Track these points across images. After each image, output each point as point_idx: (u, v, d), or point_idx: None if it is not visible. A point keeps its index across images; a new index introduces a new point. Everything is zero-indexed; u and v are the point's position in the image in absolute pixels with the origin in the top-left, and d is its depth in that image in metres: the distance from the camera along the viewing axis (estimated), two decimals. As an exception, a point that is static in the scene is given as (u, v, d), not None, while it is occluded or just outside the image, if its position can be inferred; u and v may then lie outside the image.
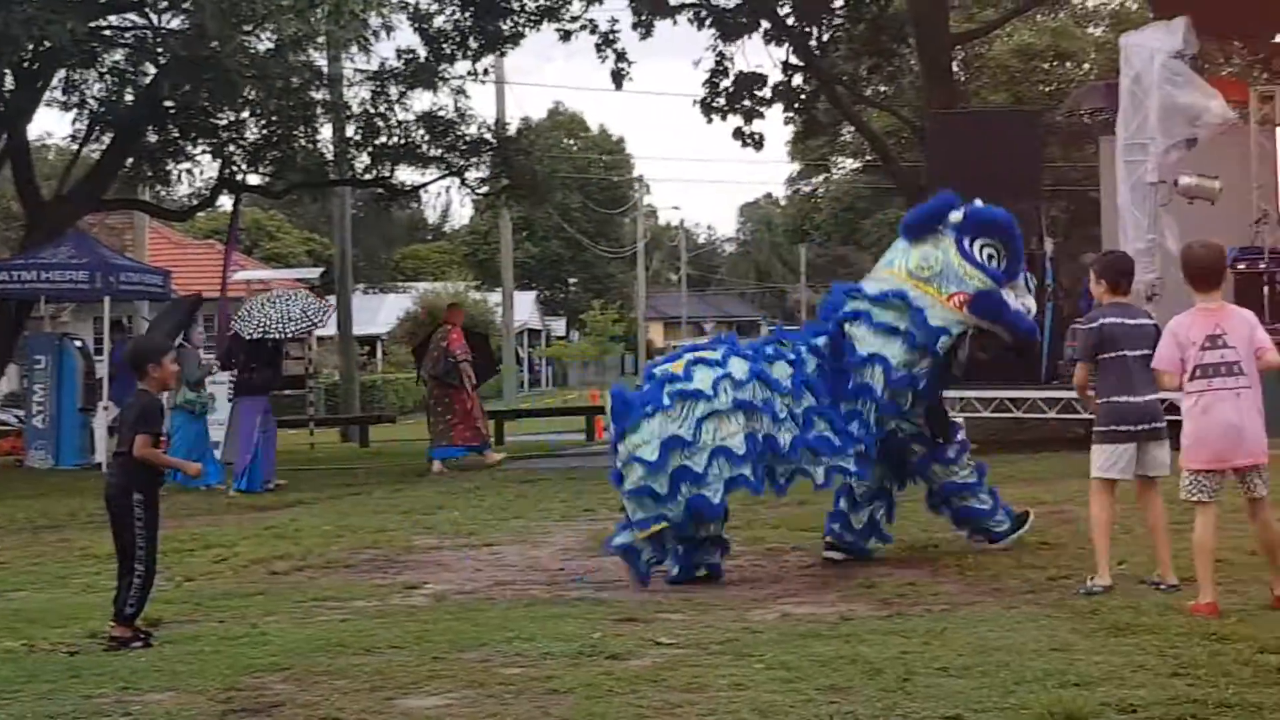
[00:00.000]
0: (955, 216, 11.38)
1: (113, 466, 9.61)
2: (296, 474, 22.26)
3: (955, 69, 36.51)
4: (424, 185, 32.46)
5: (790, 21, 33.85)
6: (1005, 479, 14.25)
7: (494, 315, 59.15)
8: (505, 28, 29.74)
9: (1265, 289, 19.88)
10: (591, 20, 31.45)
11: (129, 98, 25.78)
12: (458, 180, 30.66)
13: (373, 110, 28.75)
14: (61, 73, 25.72)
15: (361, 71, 28.79)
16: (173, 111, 26.26)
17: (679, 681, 7.56)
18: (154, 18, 25.30)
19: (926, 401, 11.33)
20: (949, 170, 21.96)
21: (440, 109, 29.26)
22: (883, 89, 41.49)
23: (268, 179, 30.05)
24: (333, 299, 35.76)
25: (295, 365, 29.56)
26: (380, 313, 67.56)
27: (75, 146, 28.82)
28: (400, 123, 29.04)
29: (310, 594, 11.01)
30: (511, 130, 32.41)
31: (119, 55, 25.88)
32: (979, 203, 11.67)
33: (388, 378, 58.75)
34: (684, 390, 10.62)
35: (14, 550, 14.41)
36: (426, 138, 29.26)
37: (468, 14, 28.97)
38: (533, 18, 29.98)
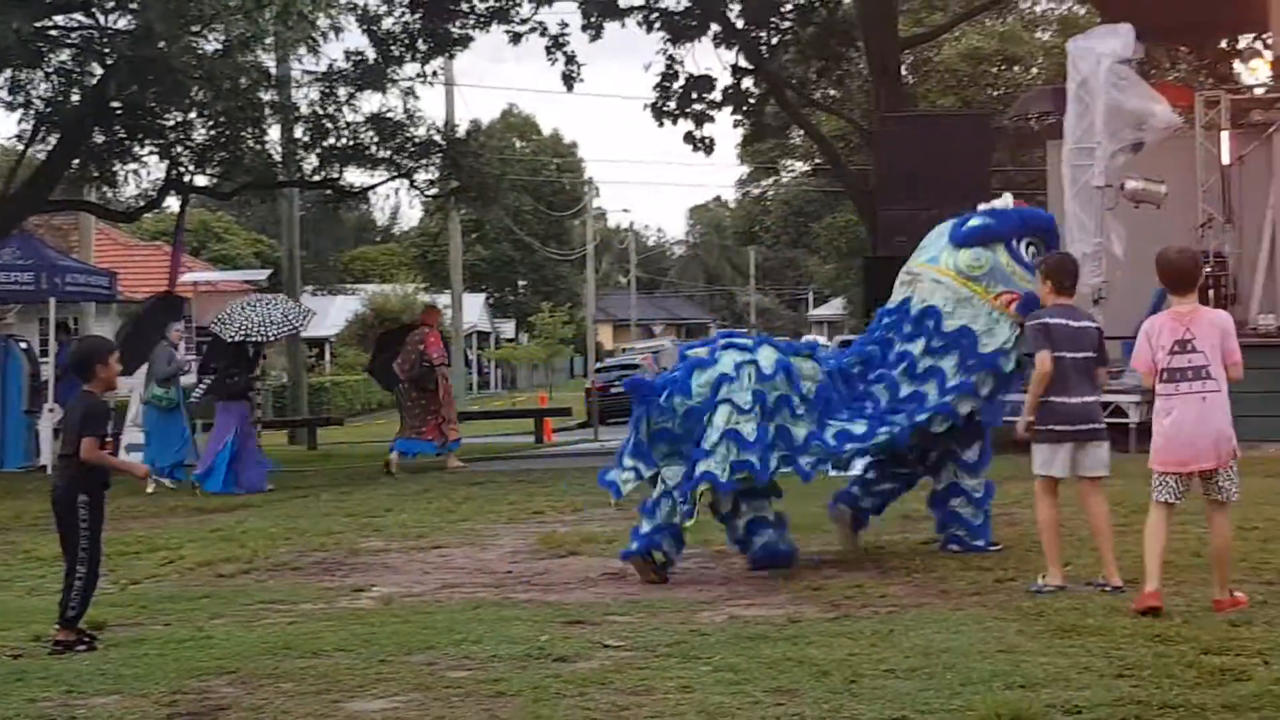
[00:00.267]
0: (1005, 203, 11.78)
1: (58, 468, 9.52)
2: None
3: (904, 73, 36.66)
4: (373, 187, 32.35)
5: (739, 25, 33.91)
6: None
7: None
8: (454, 30, 29.69)
9: (1210, 292, 20.01)
10: (541, 23, 31.47)
11: (75, 98, 25.57)
12: (406, 182, 30.56)
13: (321, 112, 28.63)
14: (7, 72, 25.48)
15: (310, 73, 28.69)
16: (119, 112, 26.08)
17: (626, 684, 7.56)
18: (101, 18, 25.10)
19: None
20: (898, 173, 22.15)
21: (389, 111, 29.17)
22: (832, 92, 41.66)
23: (215, 180, 29.87)
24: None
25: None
26: (329, 315, 67.24)
27: (20, 147, 28.60)
28: (349, 124, 28.92)
29: (257, 597, 10.96)
30: (461, 132, 32.33)
31: (65, 55, 25.66)
32: (1010, 201, 11.95)
33: (336, 380, 58.52)
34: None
35: (-43, 553, 14.29)
36: (375, 139, 29.14)
37: (416, 16, 28.91)
38: (482, 20, 29.94)
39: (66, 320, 28.60)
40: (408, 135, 29.35)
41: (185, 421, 21.52)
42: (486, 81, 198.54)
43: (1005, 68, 50.85)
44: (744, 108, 36.04)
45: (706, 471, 10.64)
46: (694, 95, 34.83)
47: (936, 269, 11.49)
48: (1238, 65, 31.35)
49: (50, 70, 25.60)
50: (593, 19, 32.78)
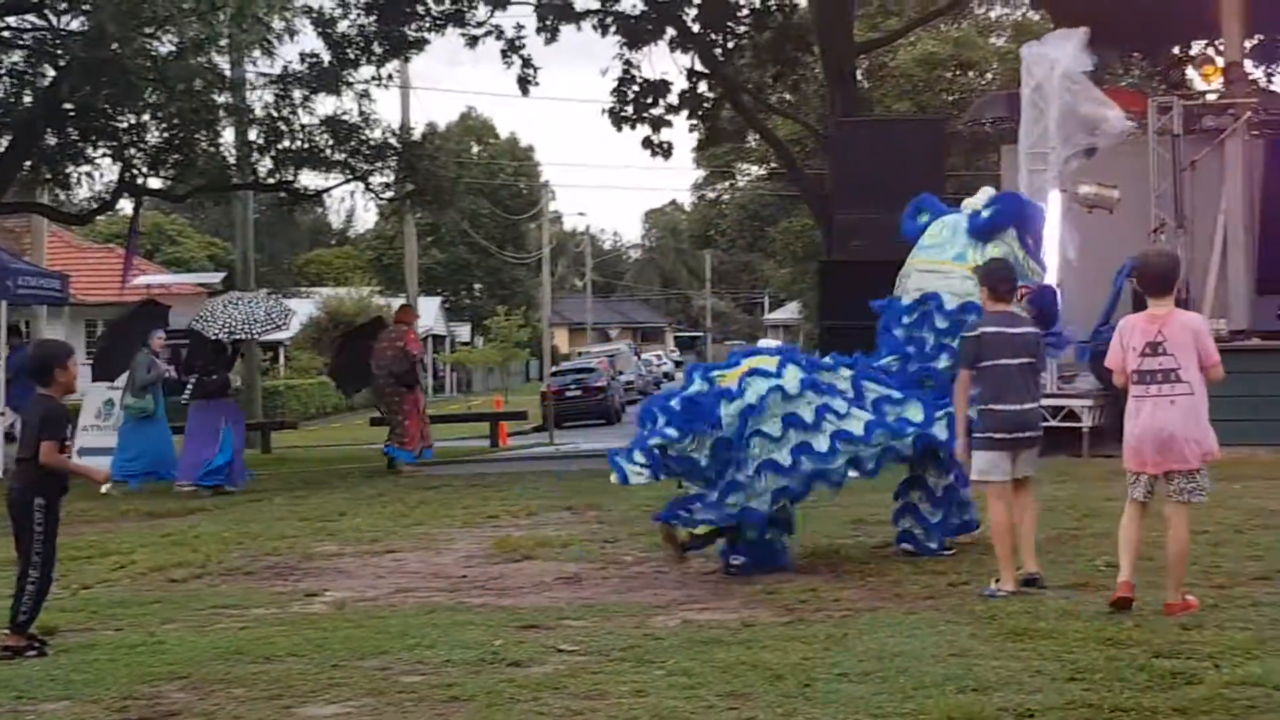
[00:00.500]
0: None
1: (15, 472, 9.45)
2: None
3: (859, 77, 36.70)
4: (327, 190, 32.22)
5: (695, 29, 33.93)
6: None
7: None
8: (409, 32, 29.62)
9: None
10: (497, 26, 31.45)
11: (28, 99, 25.41)
12: (362, 185, 30.48)
13: (276, 114, 28.50)
14: (-42, 74, 25.36)
15: (264, 75, 28.56)
16: (72, 114, 25.90)
17: (580, 688, 7.56)
18: (53, 19, 24.98)
19: None
20: (853, 177, 22.20)
21: (344, 113, 29.08)
22: (787, 97, 41.70)
23: (169, 183, 29.71)
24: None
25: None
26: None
27: (-28, 149, 28.40)
28: (303, 127, 28.81)
29: (209, 602, 10.90)
30: (416, 135, 32.27)
31: (17, 57, 25.52)
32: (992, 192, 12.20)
33: (290, 384, 58.26)
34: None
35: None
36: (330, 142, 29.04)
37: (372, 18, 28.84)
38: (437, 22, 29.89)
39: (18, 324, 28.38)
40: (363, 138, 29.27)
41: (167, 430, 21.49)
42: (443, 85, 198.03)
43: (960, 73, 51.06)
44: (700, 112, 36.06)
45: (748, 509, 10.78)
46: (650, 100, 34.85)
47: (966, 266, 11.64)
48: (1190, 71, 31.51)
49: (2, 72, 25.45)
50: (548, 22, 32.75)
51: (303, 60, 28.36)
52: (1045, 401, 11.69)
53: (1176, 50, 33.12)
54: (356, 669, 8.24)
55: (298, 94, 28.39)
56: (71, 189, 29.69)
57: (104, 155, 27.94)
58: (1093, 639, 8.10)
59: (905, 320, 11.89)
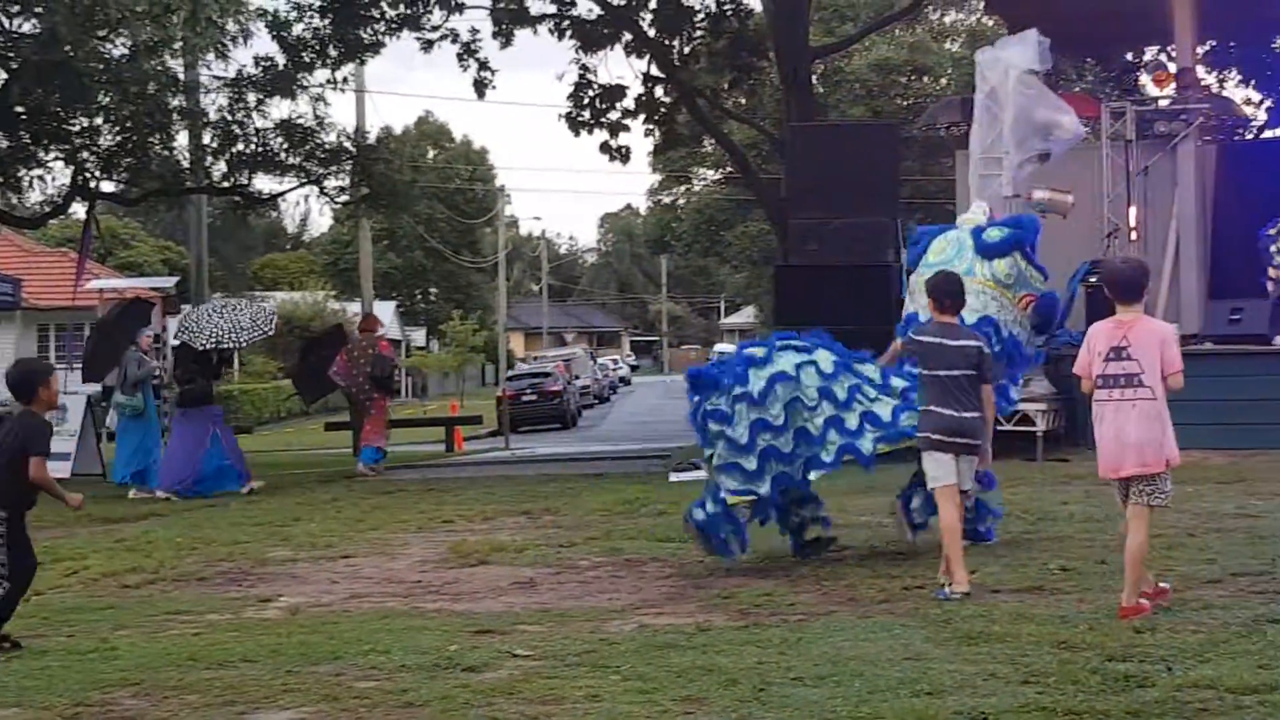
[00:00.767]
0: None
1: None
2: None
3: (814, 82, 36.83)
4: (282, 194, 32.21)
5: (651, 34, 33.97)
6: (852, 489, 14.36)
7: (353, 325, 58.65)
8: (365, 36, 29.56)
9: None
10: (453, 30, 31.43)
11: (-21, 102, 25.28)
12: (316, 189, 30.41)
13: (230, 117, 28.42)
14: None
15: (219, 78, 28.46)
16: (24, 117, 25.76)
17: (535, 693, 7.54)
18: (5, 21, 24.81)
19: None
20: (808, 182, 22.21)
21: (299, 117, 29.02)
22: (743, 102, 41.80)
23: (122, 186, 29.61)
24: (188, 308, 35.30)
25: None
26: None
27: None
28: (258, 130, 28.74)
29: (162, 607, 10.84)
30: (372, 139, 32.20)
31: (-32, 60, 25.38)
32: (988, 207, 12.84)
33: (245, 388, 58.06)
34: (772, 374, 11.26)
35: None
36: (285, 146, 28.97)
37: (327, 22, 28.75)
38: (392, 26, 29.84)
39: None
40: (318, 142, 29.22)
41: (157, 430, 21.50)
42: (400, 88, 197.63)
43: (915, 78, 51.32)
44: (656, 116, 36.12)
45: (782, 475, 11.18)
46: (607, 105, 34.89)
47: (976, 280, 11.80)
48: (1143, 77, 31.69)
49: (-47, 74, 25.30)
50: (503, 26, 32.77)
51: (257, 64, 28.28)
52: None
53: (1129, 56, 33.37)
54: (310, 675, 8.20)
55: (252, 97, 28.32)
56: (23, 192, 29.56)
57: (56, 158, 27.81)
58: (1046, 642, 8.12)
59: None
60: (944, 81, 49.95)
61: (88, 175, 28.22)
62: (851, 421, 11.20)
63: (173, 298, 31.05)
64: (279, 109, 29.37)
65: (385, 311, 73.72)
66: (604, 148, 35.66)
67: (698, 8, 34.18)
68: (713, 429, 11.25)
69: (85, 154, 27.69)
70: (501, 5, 32.75)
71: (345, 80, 30.63)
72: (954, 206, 23.79)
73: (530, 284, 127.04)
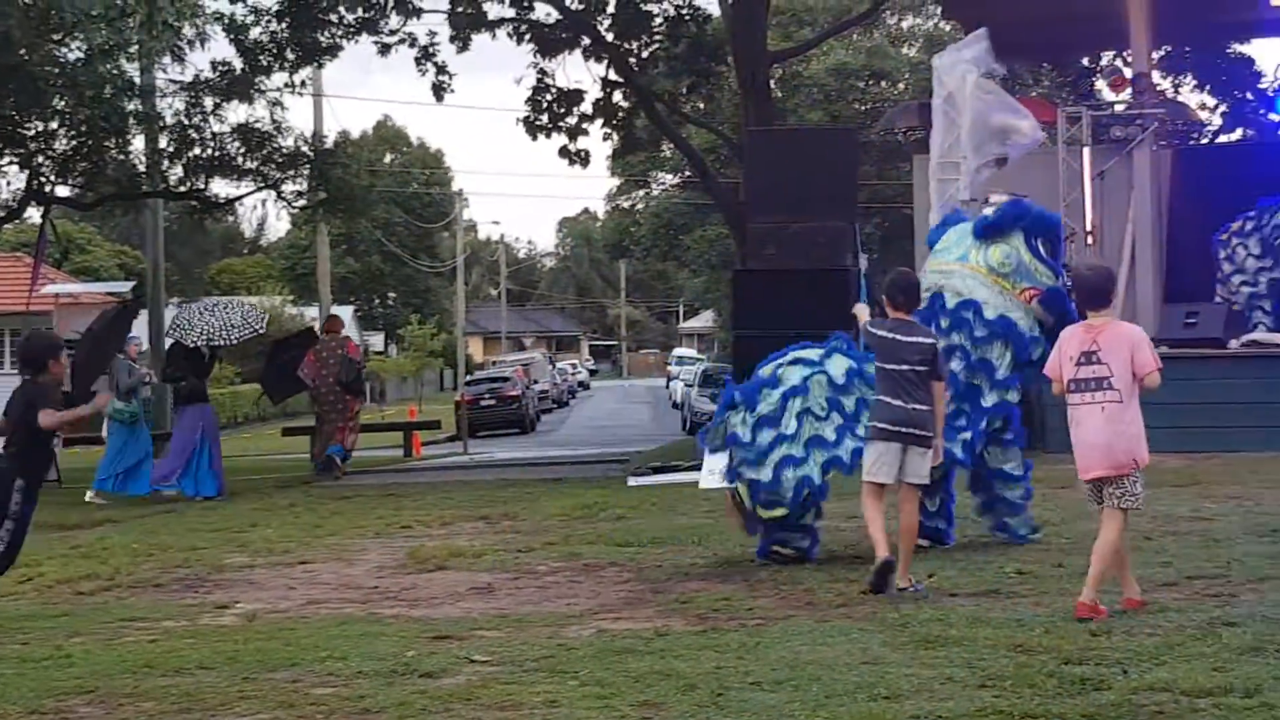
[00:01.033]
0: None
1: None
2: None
3: (772, 87, 36.87)
4: (239, 198, 32.07)
5: (610, 38, 33.98)
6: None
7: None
8: (322, 39, 29.48)
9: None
10: (410, 34, 31.36)
11: (-68, 106, 25.12)
12: (274, 193, 30.31)
13: (187, 122, 28.31)
14: None
15: (175, 82, 28.35)
16: (-22, 121, 25.65)
17: (493, 699, 7.53)
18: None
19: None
20: (767, 186, 22.20)
21: (256, 121, 28.92)
22: (701, 106, 41.84)
23: (78, 190, 29.47)
24: (145, 313, 35.15)
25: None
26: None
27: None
28: (215, 135, 28.65)
29: (118, 614, 10.78)
30: (329, 143, 32.12)
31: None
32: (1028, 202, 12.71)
33: (202, 392, 57.78)
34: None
35: None
36: (242, 150, 28.89)
37: (284, 25, 28.65)
38: (350, 30, 29.77)
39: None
40: (275, 146, 29.14)
41: (148, 436, 21.59)
42: (358, 92, 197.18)
43: (873, 83, 51.42)
44: (614, 121, 36.14)
45: (807, 476, 11.42)
46: (565, 109, 34.89)
47: (968, 266, 12.03)
48: (1099, 82, 31.85)
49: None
50: (461, 30, 32.72)
51: (214, 68, 28.17)
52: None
53: (1085, 61, 33.54)
54: (267, 681, 8.17)
55: (209, 101, 28.23)
56: (-23, 197, 29.37)
57: (11, 163, 27.67)
58: (1003, 646, 8.15)
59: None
60: (901, 86, 50.07)
61: (43, 179, 28.08)
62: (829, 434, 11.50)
63: (130, 303, 30.87)
64: (236, 113, 29.29)
65: (343, 316, 73.51)
66: (563, 152, 35.69)
67: (656, 13, 34.20)
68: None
69: (40, 158, 27.56)
70: (459, 10, 32.71)
71: (303, 84, 30.53)
72: (912, 211, 23.85)
73: (489, 288, 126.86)
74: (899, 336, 10.38)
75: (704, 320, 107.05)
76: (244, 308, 22.80)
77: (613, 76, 34.83)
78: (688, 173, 50.09)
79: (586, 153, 35.81)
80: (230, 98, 28.26)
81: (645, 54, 34.85)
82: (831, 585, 10.51)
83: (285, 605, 11.06)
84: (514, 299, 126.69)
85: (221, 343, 21.59)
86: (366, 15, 29.97)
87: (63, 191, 29.52)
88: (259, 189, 30.25)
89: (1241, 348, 19.85)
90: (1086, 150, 21.93)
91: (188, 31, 24.35)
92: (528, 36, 33.84)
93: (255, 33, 28.65)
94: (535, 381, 67.07)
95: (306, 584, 12.15)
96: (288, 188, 30.39)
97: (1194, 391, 18.96)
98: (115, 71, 25.16)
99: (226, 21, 28.05)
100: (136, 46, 23.69)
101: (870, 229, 41.01)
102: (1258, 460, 17.42)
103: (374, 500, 19.19)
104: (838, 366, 11.64)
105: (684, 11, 34.17)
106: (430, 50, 32.10)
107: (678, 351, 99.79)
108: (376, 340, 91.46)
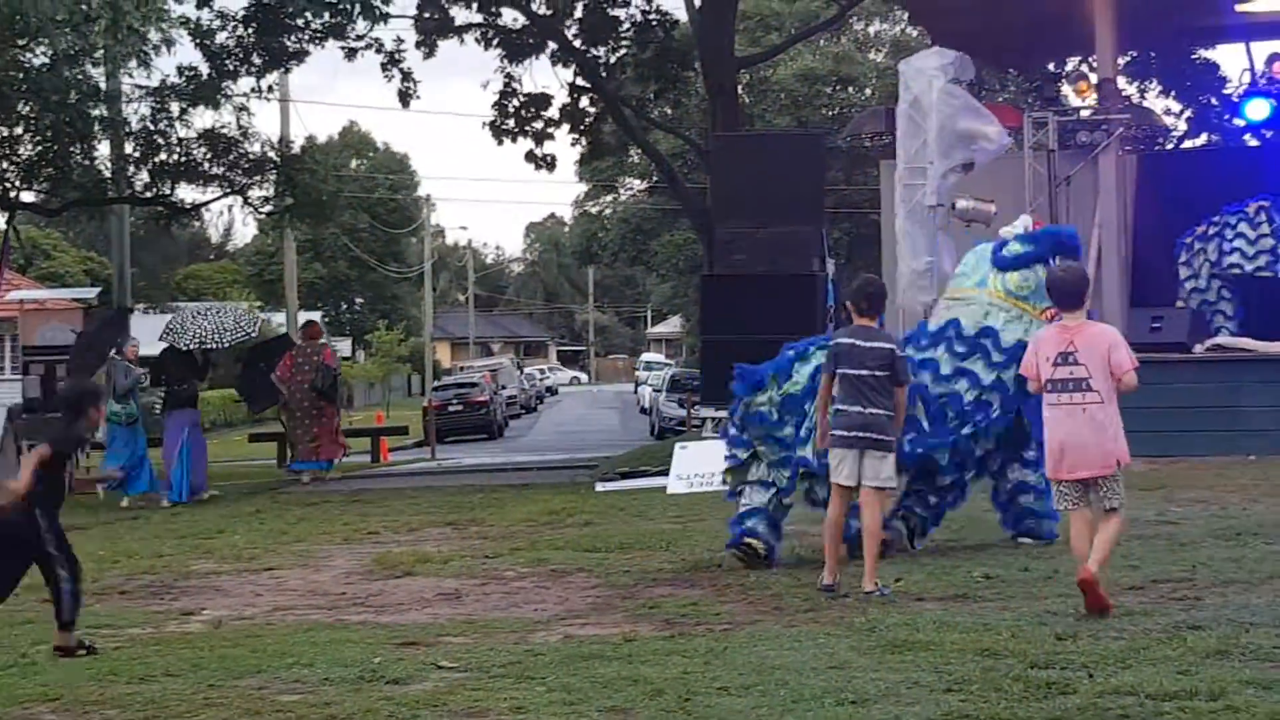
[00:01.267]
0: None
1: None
2: (69, 498, 21.67)
3: (740, 92, 36.92)
4: (205, 204, 31.95)
5: (577, 44, 33.99)
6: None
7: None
8: (289, 44, 29.38)
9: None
10: (377, 39, 31.28)
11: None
12: (240, 199, 30.21)
13: (153, 127, 28.16)
14: None
15: (141, 87, 28.21)
16: (-58, 127, 25.53)
17: (460, 705, 7.52)
18: (-78, 30, 24.55)
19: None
20: (734, 192, 22.25)
21: (223, 126, 28.81)
22: (669, 111, 41.86)
23: (43, 196, 29.30)
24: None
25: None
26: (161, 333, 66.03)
27: None
28: (181, 140, 28.51)
29: (83, 622, 10.67)
30: (296, 149, 32.02)
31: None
32: (1030, 221, 12.86)
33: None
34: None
35: None
36: (208, 155, 28.77)
37: (250, 31, 28.55)
38: (317, 35, 29.68)
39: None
40: (242, 151, 29.03)
41: (143, 437, 21.64)
42: (325, 98, 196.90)
43: (840, 88, 51.49)
44: (581, 126, 36.15)
45: (803, 458, 11.60)
46: (532, 114, 34.90)
47: (987, 292, 12.24)
48: (1065, 87, 31.97)
49: None
50: (428, 36, 32.69)
51: (180, 73, 28.04)
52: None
53: (1051, 66, 33.62)
54: (233, 689, 8.14)
55: (175, 106, 28.09)
56: (-59, 203, 29.19)
57: (-26, 169, 27.51)
58: (970, 650, 8.16)
59: (922, 343, 12.30)
60: (869, 92, 50.12)
61: (8, 185, 27.93)
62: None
63: (95, 309, 30.72)
64: (202, 118, 29.19)
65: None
66: (529, 156, 35.69)
67: (623, 18, 34.22)
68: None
69: (5, 164, 27.41)
70: (426, 16, 32.67)
71: (269, 89, 30.38)
72: (879, 216, 23.90)
73: (456, 294, 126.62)
74: (859, 342, 10.47)
75: (672, 325, 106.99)
76: (236, 312, 23.07)
77: (580, 82, 34.85)
78: (655, 178, 50.14)
79: (553, 157, 35.84)
80: (196, 103, 28.11)
81: (613, 59, 34.87)
82: (798, 590, 10.52)
83: (251, 612, 11.02)
84: (482, 304, 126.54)
85: (214, 346, 21.90)
86: (333, 20, 29.86)
87: (27, 197, 29.35)
88: (225, 194, 30.13)
89: (1206, 352, 19.93)
90: (1053, 155, 22.01)
91: (153, 36, 24.17)
92: (495, 42, 33.83)
93: (221, 38, 28.52)
94: (503, 387, 66.95)
95: (273, 590, 12.12)
96: (254, 193, 30.28)
97: (1159, 396, 18.99)
98: (80, 77, 25.08)
99: (192, 26, 27.93)
100: (102, 51, 23.59)
101: (838, 234, 41.04)
102: (1223, 464, 17.52)
103: (341, 506, 19.17)
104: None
105: (651, 17, 34.21)
106: (396, 56, 32.06)
107: (646, 357, 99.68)
108: (344, 346, 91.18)
